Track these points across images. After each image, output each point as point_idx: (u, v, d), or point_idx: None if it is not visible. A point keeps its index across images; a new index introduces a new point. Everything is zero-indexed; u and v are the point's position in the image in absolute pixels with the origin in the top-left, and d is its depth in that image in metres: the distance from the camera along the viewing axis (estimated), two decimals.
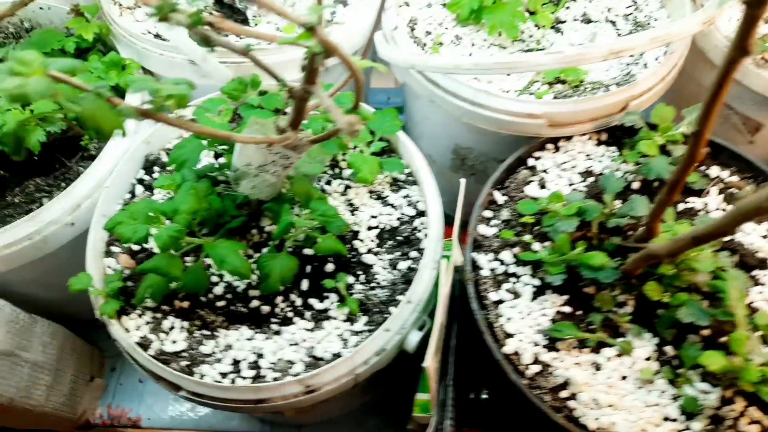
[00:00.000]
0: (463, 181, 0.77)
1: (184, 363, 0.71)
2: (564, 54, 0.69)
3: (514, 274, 0.75)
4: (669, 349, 0.71)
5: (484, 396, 0.95)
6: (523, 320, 0.72)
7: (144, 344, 0.72)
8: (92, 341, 1.09)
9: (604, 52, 0.69)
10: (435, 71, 0.79)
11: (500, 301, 0.74)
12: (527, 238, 0.77)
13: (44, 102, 0.83)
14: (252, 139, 0.57)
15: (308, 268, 0.78)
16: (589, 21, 0.99)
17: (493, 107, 0.81)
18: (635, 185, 0.81)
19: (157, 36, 0.96)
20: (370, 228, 0.81)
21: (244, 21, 1.01)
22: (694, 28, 0.72)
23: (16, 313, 0.85)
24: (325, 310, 0.75)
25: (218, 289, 0.76)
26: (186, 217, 0.67)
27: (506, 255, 0.76)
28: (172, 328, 0.73)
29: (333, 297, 0.76)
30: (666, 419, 0.67)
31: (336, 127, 0.50)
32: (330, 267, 0.78)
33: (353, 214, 0.82)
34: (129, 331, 0.73)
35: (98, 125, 0.40)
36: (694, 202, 0.80)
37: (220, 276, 0.77)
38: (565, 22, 0.99)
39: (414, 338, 0.75)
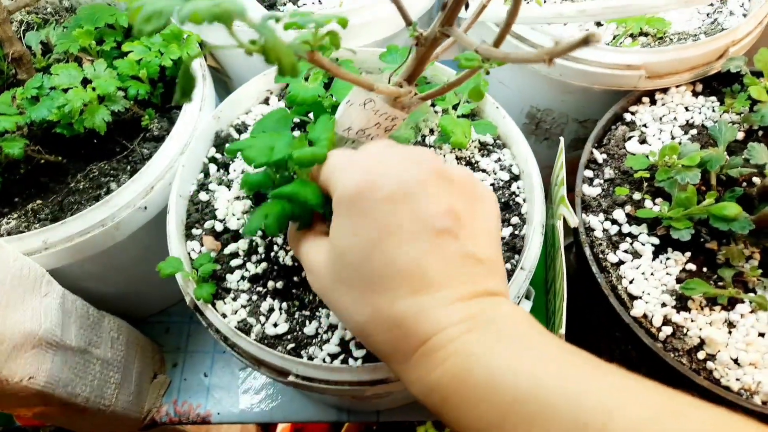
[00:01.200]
0: (562, 140, 0.73)
1: (290, 346, 0.66)
2: None
3: (629, 234, 0.71)
4: None
5: None
6: (647, 281, 0.68)
7: (244, 329, 0.67)
8: (149, 337, 1.03)
9: None
10: (533, 22, 0.74)
11: (620, 263, 0.69)
12: (638, 195, 0.73)
13: (107, 79, 0.77)
14: (388, 89, 0.51)
15: None
16: None
17: (588, 60, 0.76)
18: (739, 136, 0.77)
19: None
20: None
21: None
22: None
23: (86, 308, 0.79)
24: None
25: None
26: (328, 144, 0.59)
27: (618, 214, 0.72)
28: (271, 309, 0.68)
29: None
30: None
31: (490, 62, 0.45)
32: None
33: None
34: (226, 317, 0.67)
35: (281, 59, 0.34)
36: None
37: None
38: None
39: (526, 308, 0.70)
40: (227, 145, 0.71)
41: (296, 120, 0.78)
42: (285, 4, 0.94)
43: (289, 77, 0.36)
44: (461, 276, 0.46)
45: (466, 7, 0.49)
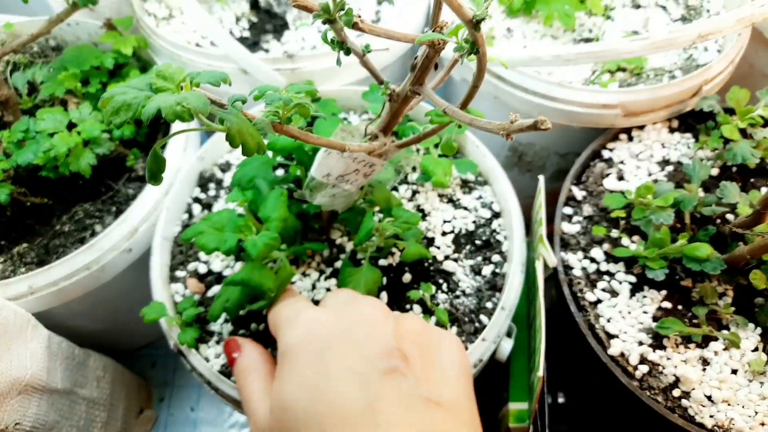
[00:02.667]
0: (541, 178, 0.74)
1: None
2: (653, 39, 0.66)
3: (607, 272, 0.72)
4: None
5: (561, 400, 0.92)
6: (624, 319, 0.69)
7: (226, 372, 0.68)
8: (135, 371, 1.04)
9: (692, 35, 0.66)
10: (511, 65, 0.76)
11: (598, 301, 0.70)
12: (616, 233, 0.74)
13: (92, 123, 0.78)
14: (360, 147, 0.53)
15: (384, 280, 0.74)
16: (638, 6, 0.96)
17: (566, 99, 0.78)
18: (714, 172, 0.79)
19: (197, 45, 0.91)
20: (444, 233, 0.77)
21: (284, 26, 0.96)
22: None
23: (72, 349, 0.80)
24: None
25: None
26: (278, 224, 0.62)
27: (596, 252, 0.73)
28: None
29: (416, 308, 0.72)
30: None
31: (464, 125, 0.47)
32: (407, 277, 0.74)
33: (425, 220, 0.79)
34: (209, 360, 0.68)
35: (245, 141, 0.36)
36: None
37: None
38: (614, 9, 0.96)
39: (507, 346, 0.71)
40: (182, 233, 0.74)
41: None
42: (269, 42, 0.95)
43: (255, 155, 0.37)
44: (417, 422, 0.42)
45: (436, 67, 0.51)
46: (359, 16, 0.39)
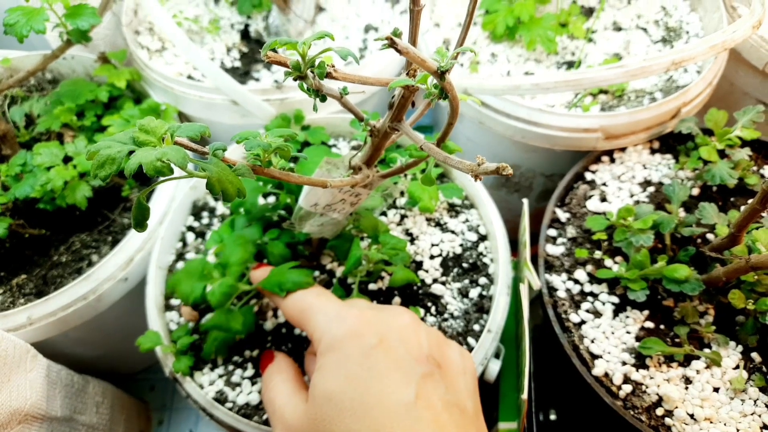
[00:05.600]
0: (525, 201, 0.76)
1: (265, 415, 0.68)
2: (628, 67, 0.68)
3: (591, 293, 0.74)
4: (755, 356, 0.70)
5: (553, 417, 0.94)
6: (608, 339, 0.71)
7: (220, 399, 0.69)
8: (134, 395, 1.05)
9: (666, 62, 0.68)
10: (492, 93, 0.78)
11: (582, 322, 0.72)
12: (599, 254, 0.76)
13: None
14: (341, 182, 0.55)
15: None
16: (619, 29, 0.99)
17: (547, 124, 0.80)
18: (694, 192, 0.81)
19: (189, 77, 0.94)
20: (432, 257, 0.79)
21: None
22: (748, 31, 0.72)
23: (71, 376, 0.81)
24: None
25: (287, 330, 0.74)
26: (237, 269, 0.66)
27: (580, 274, 0.75)
28: (246, 379, 0.71)
29: None
30: (764, 428, 0.66)
31: (448, 165, 0.49)
32: (397, 301, 0.76)
33: (413, 244, 0.81)
34: (203, 387, 0.70)
35: (225, 189, 0.38)
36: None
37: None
38: (596, 32, 0.98)
39: (494, 368, 0.73)
40: (176, 262, 0.81)
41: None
42: (259, 71, 0.97)
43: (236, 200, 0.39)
44: (450, 424, 0.47)
45: (413, 105, 0.53)
46: (332, 66, 0.41)
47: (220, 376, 0.71)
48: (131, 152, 0.36)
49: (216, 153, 0.40)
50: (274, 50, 0.43)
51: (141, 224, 0.37)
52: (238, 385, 0.70)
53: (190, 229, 0.83)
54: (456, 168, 0.44)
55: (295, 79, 0.39)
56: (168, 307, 0.76)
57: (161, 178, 0.35)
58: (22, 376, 0.71)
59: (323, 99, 0.43)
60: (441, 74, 0.38)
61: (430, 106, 0.49)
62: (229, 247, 0.70)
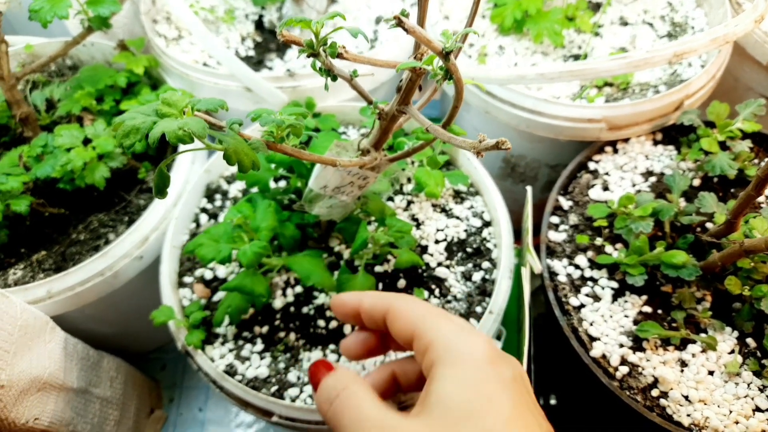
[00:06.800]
0: (529, 189, 0.78)
1: (273, 388, 0.71)
2: (631, 58, 0.70)
3: (591, 278, 0.76)
4: (750, 341, 0.72)
5: (553, 402, 0.96)
6: (606, 323, 0.73)
7: (230, 372, 0.72)
8: (145, 374, 1.09)
9: (668, 54, 0.70)
10: (498, 83, 0.80)
11: (581, 306, 0.74)
12: (599, 241, 0.78)
13: (106, 138, 0.84)
14: (350, 162, 0.57)
15: (380, 286, 0.78)
16: (626, 24, 1.00)
17: (552, 115, 0.82)
18: (695, 182, 0.83)
19: (204, 65, 0.96)
20: (437, 241, 0.82)
21: (287, 45, 1.01)
22: (750, 26, 0.74)
23: (87, 350, 0.85)
24: None
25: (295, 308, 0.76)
26: (267, 233, 0.67)
27: (581, 259, 0.77)
28: (255, 353, 0.73)
29: None
30: (757, 410, 0.68)
31: (458, 146, 0.51)
32: (402, 283, 0.78)
33: (419, 228, 0.83)
34: (214, 361, 0.73)
35: (241, 160, 0.40)
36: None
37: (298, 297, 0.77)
38: (603, 26, 1.00)
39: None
40: (186, 244, 0.83)
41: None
42: (272, 60, 1.00)
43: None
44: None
45: (420, 88, 0.55)
46: (344, 47, 0.43)
47: (231, 351, 0.74)
48: (154, 124, 0.38)
49: (233, 127, 0.42)
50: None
51: (162, 191, 0.40)
52: (248, 359, 0.73)
53: (204, 210, 0.86)
54: (459, 146, 0.46)
55: (308, 56, 0.42)
56: (181, 285, 0.79)
57: (181, 149, 0.38)
58: (42, 347, 0.74)
59: (334, 78, 0.45)
60: (446, 55, 0.40)
61: (437, 90, 0.51)
62: (260, 213, 0.72)
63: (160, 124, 0.36)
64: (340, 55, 0.42)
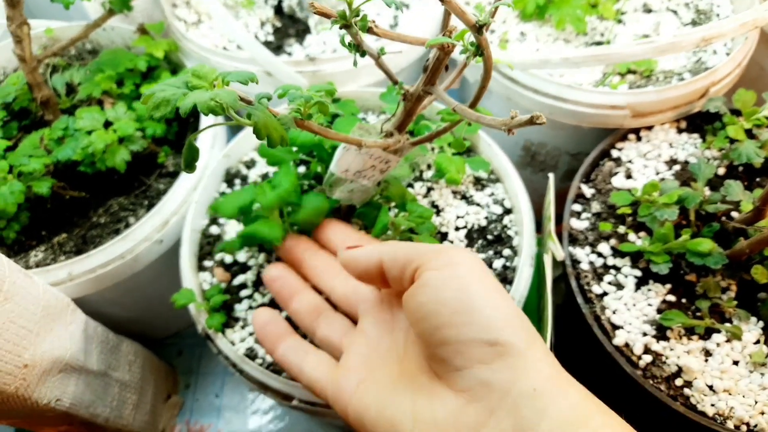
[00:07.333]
0: (551, 176, 0.77)
1: None
2: (657, 43, 0.69)
3: (614, 266, 0.75)
4: None
5: None
6: (629, 311, 0.72)
7: (251, 356, 0.72)
8: (163, 359, 1.09)
9: (696, 39, 0.69)
10: (521, 68, 0.79)
11: (604, 294, 0.73)
12: (622, 229, 0.77)
13: (127, 122, 0.84)
14: (375, 143, 0.57)
15: None
16: (650, 11, 0.99)
17: (576, 101, 0.81)
18: (720, 171, 0.81)
19: (224, 49, 0.96)
20: (457, 228, 0.81)
21: (306, 30, 1.01)
22: None
23: (106, 334, 0.85)
24: None
25: None
26: (288, 188, 0.67)
27: (604, 247, 0.76)
28: None
29: None
30: None
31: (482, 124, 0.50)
32: None
33: (438, 215, 0.82)
34: (234, 344, 0.73)
35: (270, 134, 0.40)
36: None
37: None
38: (626, 13, 0.99)
39: None
40: (212, 203, 0.83)
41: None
42: (292, 45, 1.00)
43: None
44: None
45: (447, 68, 0.54)
46: (374, 22, 0.43)
47: (251, 334, 0.74)
48: (185, 96, 0.38)
49: (261, 101, 0.42)
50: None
51: (191, 165, 0.40)
52: None
53: (223, 195, 0.85)
54: (489, 125, 0.45)
55: (341, 28, 0.41)
56: (201, 268, 0.79)
57: (210, 123, 0.37)
58: (64, 328, 0.74)
59: (363, 54, 0.44)
60: (479, 28, 0.39)
61: (466, 66, 0.50)
62: (282, 173, 0.71)
63: (191, 95, 0.36)
64: (370, 30, 0.42)
